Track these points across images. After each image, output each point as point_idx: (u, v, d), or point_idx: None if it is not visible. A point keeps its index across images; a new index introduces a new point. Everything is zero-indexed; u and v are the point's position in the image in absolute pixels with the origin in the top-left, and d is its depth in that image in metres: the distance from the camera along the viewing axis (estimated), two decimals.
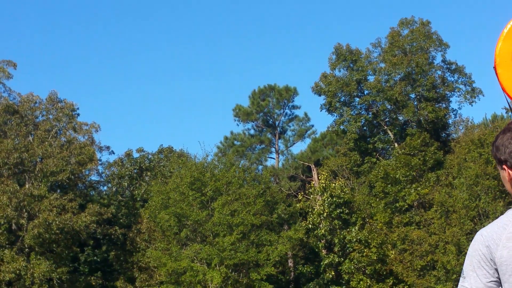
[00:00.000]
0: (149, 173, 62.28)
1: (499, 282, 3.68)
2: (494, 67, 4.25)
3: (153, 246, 50.33)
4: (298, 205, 54.10)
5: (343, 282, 49.94)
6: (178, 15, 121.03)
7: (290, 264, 54.36)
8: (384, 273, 49.15)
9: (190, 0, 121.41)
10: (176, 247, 46.76)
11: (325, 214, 50.37)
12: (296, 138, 65.52)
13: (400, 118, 59.77)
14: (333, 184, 51.42)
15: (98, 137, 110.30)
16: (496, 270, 3.65)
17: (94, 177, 61.34)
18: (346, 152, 59.62)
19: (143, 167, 63.16)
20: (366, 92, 59.56)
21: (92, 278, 53.96)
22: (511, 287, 3.60)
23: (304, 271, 52.54)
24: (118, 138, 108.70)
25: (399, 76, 58.21)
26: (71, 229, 49.59)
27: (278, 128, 64.89)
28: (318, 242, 51.92)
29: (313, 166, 60.81)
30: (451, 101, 59.83)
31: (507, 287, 3.61)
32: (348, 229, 50.07)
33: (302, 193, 55.21)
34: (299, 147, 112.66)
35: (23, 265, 47.10)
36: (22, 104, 54.12)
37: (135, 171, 62.85)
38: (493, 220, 4.65)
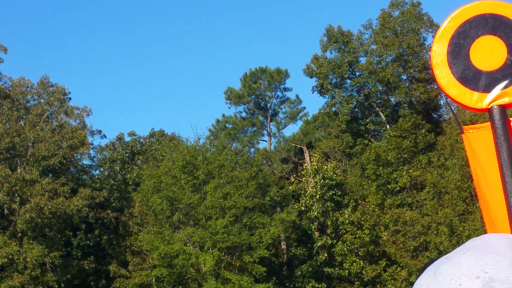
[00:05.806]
0: (141, 157, 62.15)
1: None
2: (431, 68, 4.27)
3: (146, 229, 50.24)
4: (290, 187, 54.09)
5: (336, 264, 50.04)
6: None
7: (283, 246, 54.39)
8: (377, 254, 49.29)
9: None
10: (168, 231, 46.70)
11: (318, 196, 50.42)
12: (288, 121, 65.41)
13: (392, 99, 59.78)
14: (325, 166, 51.43)
15: (90, 121, 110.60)
16: None
17: (86, 161, 61.21)
18: (338, 134, 59.63)
19: (135, 150, 63.04)
20: (357, 73, 59.52)
21: (85, 262, 53.91)
22: None
23: (297, 253, 52.57)
24: (109, 122, 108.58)
25: (391, 57, 58.16)
26: (63, 213, 49.46)
27: (269, 111, 64.76)
28: (311, 224, 51.96)
29: (305, 148, 60.82)
30: None
31: None
32: (340, 211, 50.13)
33: (294, 175, 55.21)
34: (291, 130, 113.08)
35: (16, 249, 46.96)
36: (14, 88, 53.88)
37: (127, 155, 62.72)
38: None
